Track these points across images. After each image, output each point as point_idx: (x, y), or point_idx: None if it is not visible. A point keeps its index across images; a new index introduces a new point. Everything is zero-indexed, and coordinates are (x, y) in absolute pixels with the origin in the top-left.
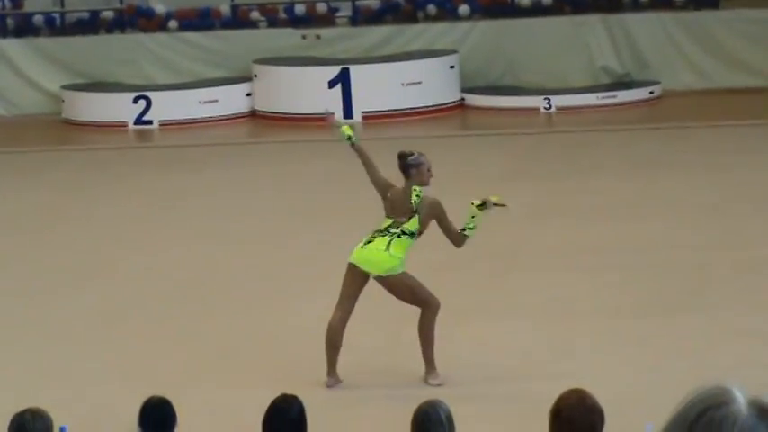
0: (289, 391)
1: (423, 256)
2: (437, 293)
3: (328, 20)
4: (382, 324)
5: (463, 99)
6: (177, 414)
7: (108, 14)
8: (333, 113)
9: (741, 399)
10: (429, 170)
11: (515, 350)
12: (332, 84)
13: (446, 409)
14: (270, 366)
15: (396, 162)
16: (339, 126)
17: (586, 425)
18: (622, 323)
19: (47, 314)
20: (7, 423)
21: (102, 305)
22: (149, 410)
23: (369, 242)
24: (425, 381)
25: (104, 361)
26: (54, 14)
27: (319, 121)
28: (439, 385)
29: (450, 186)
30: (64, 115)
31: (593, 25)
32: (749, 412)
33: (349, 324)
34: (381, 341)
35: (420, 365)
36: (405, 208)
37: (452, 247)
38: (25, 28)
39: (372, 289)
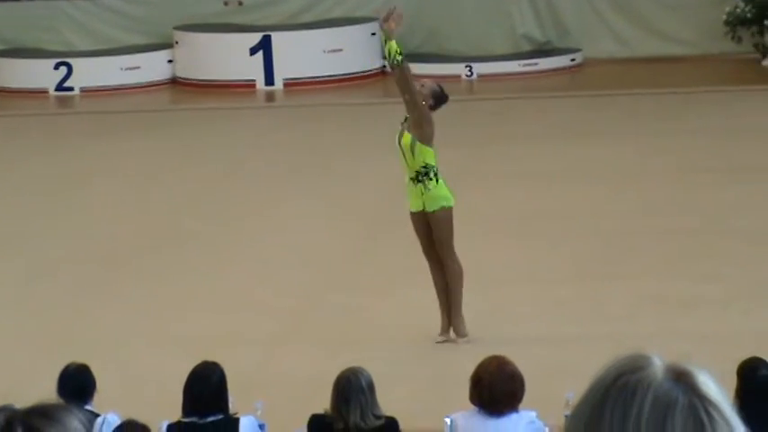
0: (210, 359)
1: (343, 226)
2: (355, 263)
3: None
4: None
5: (385, 66)
6: (96, 381)
7: None
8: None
9: (658, 364)
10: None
11: (437, 316)
12: (253, 51)
13: (367, 376)
14: (189, 334)
15: None
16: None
17: (506, 392)
18: (543, 290)
19: None
20: None
21: (21, 272)
22: (68, 378)
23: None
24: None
25: (23, 328)
26: None
27: (239, 87)
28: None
29: (370, 154)
30: None
31: None
32: (664, 376)
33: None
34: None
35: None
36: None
37: (371, 215)
38: None
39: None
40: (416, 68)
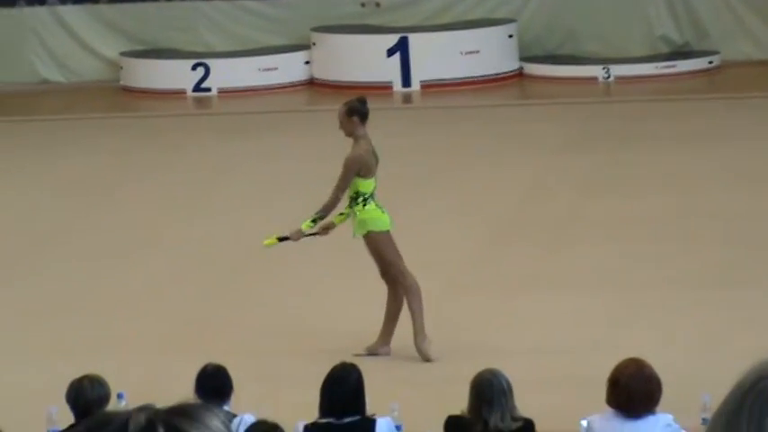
0: (345, 360)
1: (474, 230)
2: (492, 265)
3: None
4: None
5: (522, 68)
6: (233, 381)
7: None
8: None
9: None
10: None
11: (573, 321)
12: (390, 52)
13: (506, 377)
14: (324, 335)
15: None
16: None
17: (644, 393)
18: (680, 294)
19: (104, 281)
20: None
21: (159, 272)
22: (205, 378)
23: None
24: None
25: (161, 329)
26: None
27: (376, 89)
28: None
29: (507, 156)
30: (122, 82)
31: None
32: None
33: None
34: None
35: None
36: None
37: (504, 220)
38: None
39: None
40: (553, 71)
